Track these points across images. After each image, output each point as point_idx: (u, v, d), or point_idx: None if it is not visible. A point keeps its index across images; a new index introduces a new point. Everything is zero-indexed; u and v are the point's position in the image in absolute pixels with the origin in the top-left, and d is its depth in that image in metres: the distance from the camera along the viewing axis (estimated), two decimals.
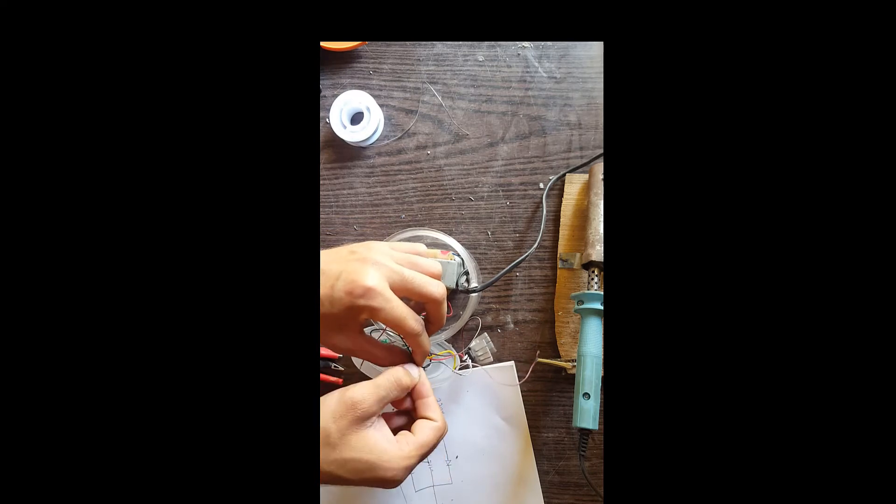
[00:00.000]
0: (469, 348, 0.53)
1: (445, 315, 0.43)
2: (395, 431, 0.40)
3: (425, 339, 0.42)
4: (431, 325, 0.43)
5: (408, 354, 0.43)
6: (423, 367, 0.44)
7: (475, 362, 0.53)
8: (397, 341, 0.45)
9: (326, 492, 0.53)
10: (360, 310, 0.38)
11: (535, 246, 0.52)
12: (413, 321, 0.40)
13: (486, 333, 0.54)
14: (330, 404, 0.37)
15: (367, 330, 0.44)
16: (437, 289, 0.41)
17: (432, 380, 0.51)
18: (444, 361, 0.52)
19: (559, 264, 0.53)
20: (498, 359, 0.54)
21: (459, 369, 0.53)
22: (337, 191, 0.57)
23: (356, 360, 0.53)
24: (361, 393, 0.38)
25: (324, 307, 0.38)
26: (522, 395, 0.53)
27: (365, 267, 0.39)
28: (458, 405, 0.53)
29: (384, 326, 0.49)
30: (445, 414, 0.54)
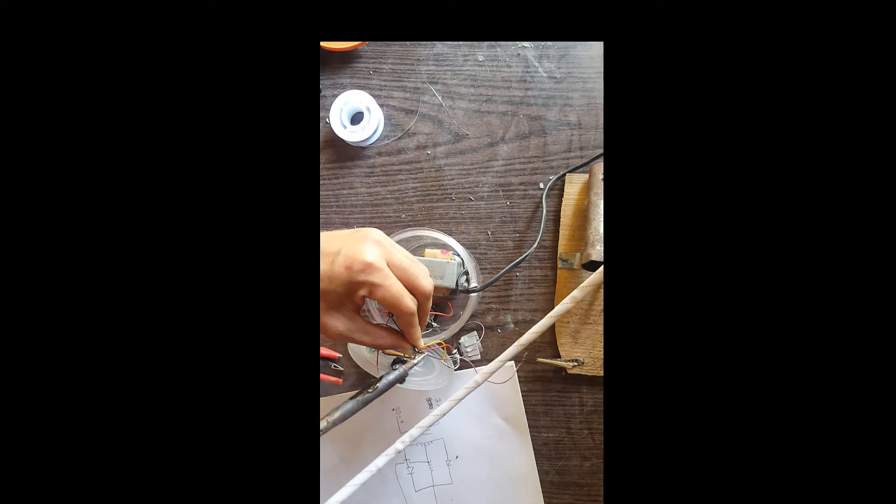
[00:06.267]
0: (459, 343, 0.53)
1: (428, 313, 0.44)
2: None
3: (417, 320, 0.42)
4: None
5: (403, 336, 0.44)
6: (416, 357, 0.44)
7: (462, 356, 0.53)
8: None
9: (327, 494, 0.53)
10: (358, 285, 0.38)
11: (535, 246, 0.52)
12: (409, 300, 0.40)
13: (475, 332, 0.54)
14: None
15: None
16: (429, 283, 0.42)
17: (430, 381, 0.51)
18: (432, 352, 0.52)
19: (559, 264, 0.53)
20: (497, 358, 0.53)
21: (457, 369, 0.53)
22: (337, 191, 0.57)
23: (352, 348, 0.53)
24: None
25: (322, 284, 0.38)
26: (522, 395, 0.53)
27: (365, 244, 0.39)
28: (457, 405, 0.53)
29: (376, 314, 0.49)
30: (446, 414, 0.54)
